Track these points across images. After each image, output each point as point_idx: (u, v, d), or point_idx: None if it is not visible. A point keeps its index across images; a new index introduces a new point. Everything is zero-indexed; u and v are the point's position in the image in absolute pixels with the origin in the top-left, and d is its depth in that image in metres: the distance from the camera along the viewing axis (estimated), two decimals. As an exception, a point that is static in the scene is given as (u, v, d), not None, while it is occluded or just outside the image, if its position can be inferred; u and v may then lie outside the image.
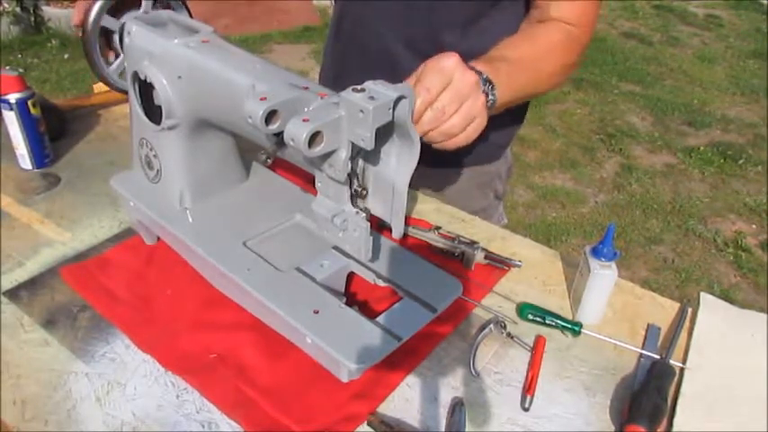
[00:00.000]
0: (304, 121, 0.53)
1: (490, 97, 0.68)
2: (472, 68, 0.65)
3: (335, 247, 0.73)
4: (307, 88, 0.60)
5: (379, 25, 0.92)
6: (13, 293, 0.74)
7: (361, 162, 0.62)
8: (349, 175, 0.60)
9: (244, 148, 0.82)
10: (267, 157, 0.92)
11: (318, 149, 0.55)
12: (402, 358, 0.66)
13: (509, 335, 0.71)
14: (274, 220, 0.78)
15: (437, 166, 1.03)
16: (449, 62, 0.61)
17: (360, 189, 0.63)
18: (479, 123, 0.65)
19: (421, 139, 0.61)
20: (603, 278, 0.72)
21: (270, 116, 0.56)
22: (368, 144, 0.55)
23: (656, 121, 3.48)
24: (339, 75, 1.03)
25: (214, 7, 4.11)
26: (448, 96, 0.61)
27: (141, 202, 0.78)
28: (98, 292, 0.74)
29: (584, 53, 0.85)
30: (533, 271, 0.83)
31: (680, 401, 0.65)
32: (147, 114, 0.74)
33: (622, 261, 2.30)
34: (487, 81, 0.68)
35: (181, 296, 0.74)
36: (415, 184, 1.02)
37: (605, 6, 5.25)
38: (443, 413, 0.63)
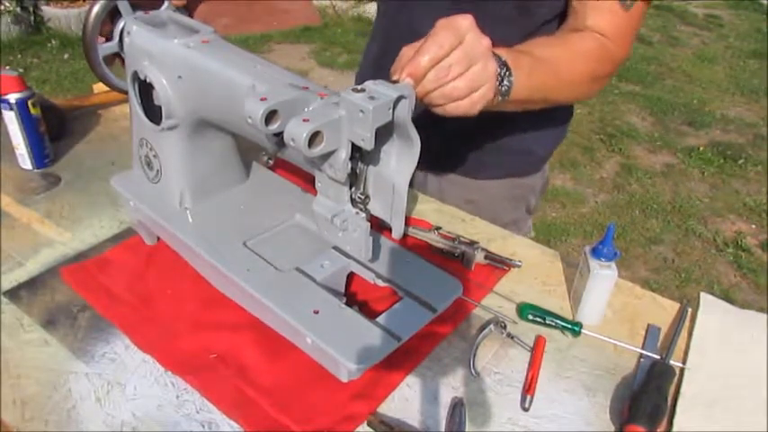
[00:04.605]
0: (304, 121, 0.53)
1: (505, 82, 0.64)
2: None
3: (335, 247, 0.73)
4: (307, 88, 0.60)
5: (420, 28, 0.90)
6: (13, 293, 0.74)
7: (361, 163, 0.62)
8: (349, 175, 0.60)
9: (244, 148, 0.82)
10: (269, 157, 0.92)
11: (318, 149, 0.55)
12: (402, 358, 0.66)
13: (509, 335, 0.71)
14: (274, 220, 0.78)
15: (473, 175, 1.01)
16: (463, 22, 0.58)
17: (362, 197, 0.63)
18: (486, 92, 0.61)
19: (423, 102, 0.59)
20: (603, 278, 0.72)
21: (270, 116, 0.56)
22: (368, 144, 0.55)
23: (656, 121, 3.48)
24: (376, 75, 1.02)
25: (214, 7, 4.11)
26: (456, 56, 0.57)
27: (141, 202, 0.78)
28: (98, 292, 0.74)
29: (616, 69, 0.81)
30: (533, 271, 0.83)
31: (680, 401, 0.65)
32: (147, 114, 0.74)
33: (622, 261, 2.30)
34: (505, 65, 0.64)
35: (181, 296, 0.74)
36: (448, 190, 1.02)
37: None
38: (443, 413, 0.63)
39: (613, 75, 0.82)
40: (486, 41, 0.59)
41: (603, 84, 0.82)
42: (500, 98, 0.65)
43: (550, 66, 0.72)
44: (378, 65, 1.01)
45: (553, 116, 0.97)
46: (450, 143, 0.94)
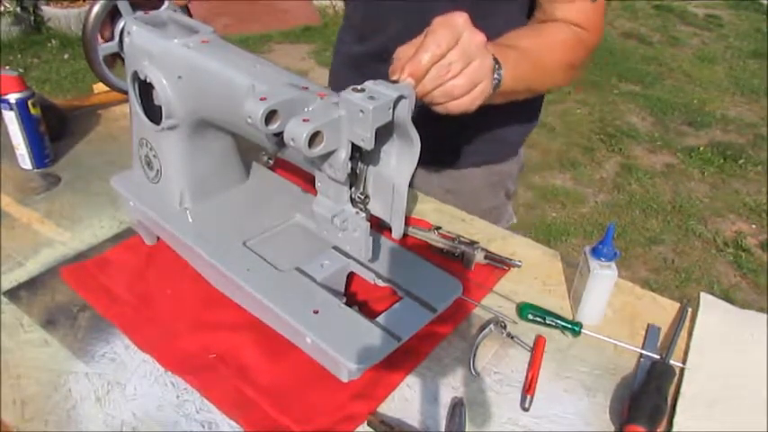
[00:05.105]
0: (304, 121, 0.53)
1: (495, 75, 0.65)
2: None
3: (335, 247, 0.73)
4: (306, 88, 0.60)
5: (387, 22, 0.91)
6: (13, 293, 0.74)
7: (361, 162, 0.62)
8: (349, 175, 0.60)
9: (244, 148, 0.82)
10: (269, 157, 0.92)
11: (318, 149, 0.55)
12: (402, 358, 0.66)
13: (509, 335, 0.71)
14: (274, 220, 0.78)
15: (451, 165, 1.03)
16: (459, 19, 0.59)
17: (362, 197, 0.63)
18: (484, 87, 0.62)
19: (424, 103, 0.60)
20: (603, 278, 0.72)
21: (270, 116, 0.56)
22: (368, 144, 0.55)
23: (656, 121, 3.48)
24: (352, 78, 1.02)
25: (214, 7, 4.11)
26: (455, 54, 0.58)
27: (141, 202, 0.78)
28: (98, 292, 0.74)
29: (590, 56, 0.84)
30: (533, 271, 0.83)
31: (680, 401, 0.65)
32: (147, 114, 0.74)
33: (622, 261, 2.30)
34: (494, 59, 0.65)
35: (181, 296, 0.74)
36: (427, 181, 1.03)
37: (605, 6, 5.24)
38: (443, 413, 0.63)
39: (587, 62, 0.85)
40: (481, 37, 0.60)
41: (579, 71, 0.84)
42: (492, 91, 0.65)
43: (532, 56, 0.74)
44: (356, 63, 1.02)
45: (524, 102, 0.99)
46: (429, 135, 0.96)
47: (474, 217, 0.94)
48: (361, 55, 1.00)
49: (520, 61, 0.70)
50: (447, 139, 0.99)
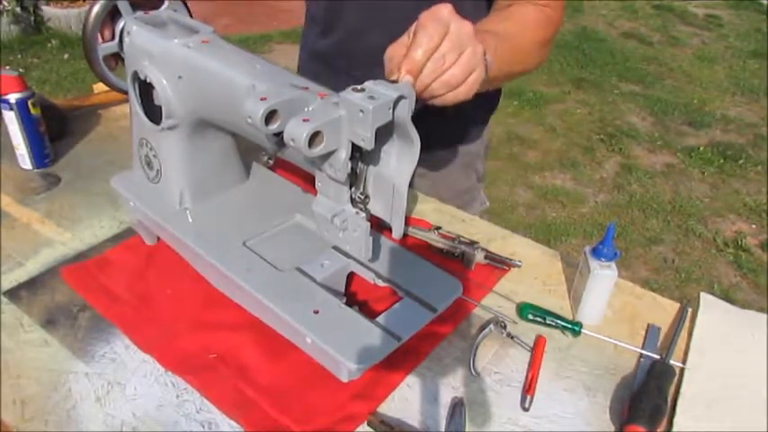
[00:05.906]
0: (304, 121, 0.53)
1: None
2: None
3: (335, 247, 0.73)
4: (307, 88, 0.60)
5: (347, 16, 0.93)
6: (13, 293, 0.74)
7: (361, 162, 0.62)
8: (349, 175, 0.60)
9: (244, 148, 0.82)
10: (269, 157, 0.92)
11: (318, 149, 0.55)
12: (402, 358, 0.66)
13: (509, 335, 0.71)
14: (274, 220, 0.78)
15: (422, 149, 1.03)
16: (444, 11, 0.60)
17: (362, 197, 0.63)
18: (479, 74, 0.63)
19: (423, 100, 0.60)
20: (603, 278, 0.72)
21: (270, 116, 0.56)
22: (368, 144, 0.55)
23: (656, 121, 3.48)
24: (319, 72, 1.03)
25: (214, 7, 4.11)
26: (447, 45, 0.59)
27: (141, 202, 0.78)
28: (98, 292, 0.74)
29: (556, 33, 0.85)
30: (533, 271, 0.83)
31: (680, 401, 0.65)
32: (147, 114, 0.74)
33: (622, 261, 2.30)
34: None
35: (181, 296, 0.74)
36: None
37: (605, 6, 5.25)
38: (443, 413, 0.63)
39: (555, 38, 0.86)
40: (469, 26, 0.61)
41: (549, 49, 0.86)
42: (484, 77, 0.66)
43: (509, 40, 0.75)
44: (321, 58, 1.03)
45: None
46: None
47: (474, 217, 0.94)
48: (324, 49, 1.02)
49: (499, 46, 0.71)
50: (416, 122, 1.00)
